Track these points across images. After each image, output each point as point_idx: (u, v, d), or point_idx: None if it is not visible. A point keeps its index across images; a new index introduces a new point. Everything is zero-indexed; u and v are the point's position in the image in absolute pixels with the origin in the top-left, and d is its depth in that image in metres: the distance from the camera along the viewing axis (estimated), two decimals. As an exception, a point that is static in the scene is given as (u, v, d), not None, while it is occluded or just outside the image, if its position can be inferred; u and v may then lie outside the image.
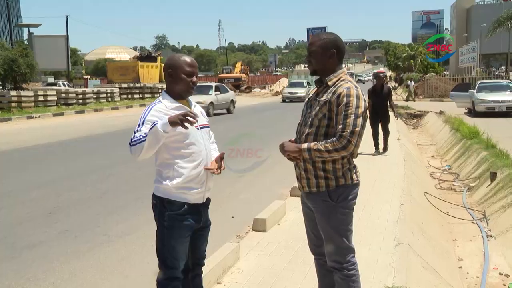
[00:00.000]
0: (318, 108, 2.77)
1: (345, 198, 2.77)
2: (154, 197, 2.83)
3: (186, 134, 2.73)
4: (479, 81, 22.52)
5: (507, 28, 33.19)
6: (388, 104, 10.23)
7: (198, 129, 2.82)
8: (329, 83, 2.80)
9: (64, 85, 38.43)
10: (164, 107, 2.75)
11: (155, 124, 2.59)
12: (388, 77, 64.82)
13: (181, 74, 2.79)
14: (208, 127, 2.96)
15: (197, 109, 2.93)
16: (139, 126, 2.68)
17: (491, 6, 54.46)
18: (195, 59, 2.97)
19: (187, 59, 2.83)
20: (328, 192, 2.76)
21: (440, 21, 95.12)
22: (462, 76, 36.27)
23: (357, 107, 2.67)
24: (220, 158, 2.87)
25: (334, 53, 2.80)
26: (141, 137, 2.61)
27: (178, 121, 2.56)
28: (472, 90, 19.67)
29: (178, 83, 2.80)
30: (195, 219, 2.82)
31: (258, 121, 19.82)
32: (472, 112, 18.86)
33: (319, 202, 2.80)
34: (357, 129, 2.64)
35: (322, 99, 2.78)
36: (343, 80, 2.78)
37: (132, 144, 2.63)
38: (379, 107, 10.10)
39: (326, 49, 2.79)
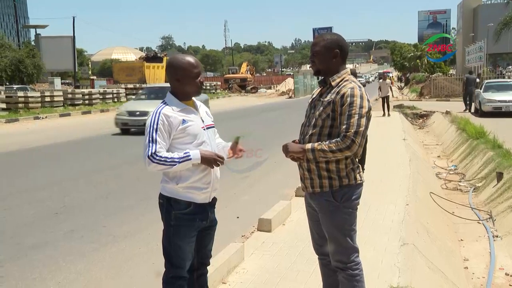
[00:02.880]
0: (322, 108, 2.78)
1: (349, 198, 2.77)
2: (161, 196, 2.85)
3: (194, 136, 2.76)
4: (486, 81, 22.35)
5: (512, 28, 32.93)
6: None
7: (204, 129, 2.84)
8: (333, 83, 2.80)
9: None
10: (171, 110, 2.75)
11: (189, 157, 2.68)
12: (392, 77, 64.31)
13: (190, 78, 2.79)
14: (213, 126, 2.97)
15: (202, 109, 2.95)
16: (151, 133, 2.69)
17: (498, 6, 53.97)
18: (201, 60, 3.01)
19: (191, 60, 2.83)
20: (332, 192, 2.76)
21: (446, 20, 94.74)
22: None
23: (361, 107, 2.67)
24: (235, 143, 2.92)
25: (337, 53, 2.80)
26: (169, 160, 2.67)
27: (211, 165, 2.74)
28: (479, 90, 19.55)
29: (187, 86, 2.81)
30: (202, 219, 2.83)
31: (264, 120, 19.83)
32: (479, 112, 18.76)
33: (322, 202, 2.80)
34: (361, 129, 2.64)
35: (325, 99, 2.78)
36: (347, 80, 2.78)
37: (154, 161, 2.67)
38: None
39: (330, 49, 2.79)
